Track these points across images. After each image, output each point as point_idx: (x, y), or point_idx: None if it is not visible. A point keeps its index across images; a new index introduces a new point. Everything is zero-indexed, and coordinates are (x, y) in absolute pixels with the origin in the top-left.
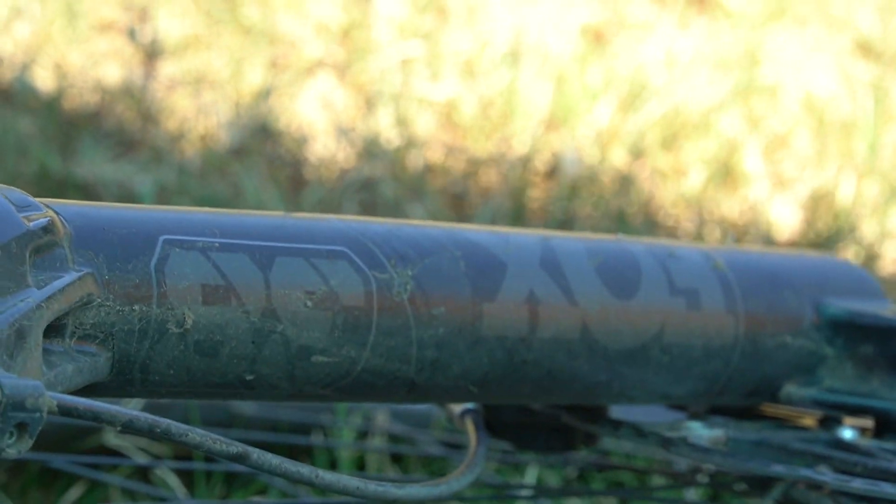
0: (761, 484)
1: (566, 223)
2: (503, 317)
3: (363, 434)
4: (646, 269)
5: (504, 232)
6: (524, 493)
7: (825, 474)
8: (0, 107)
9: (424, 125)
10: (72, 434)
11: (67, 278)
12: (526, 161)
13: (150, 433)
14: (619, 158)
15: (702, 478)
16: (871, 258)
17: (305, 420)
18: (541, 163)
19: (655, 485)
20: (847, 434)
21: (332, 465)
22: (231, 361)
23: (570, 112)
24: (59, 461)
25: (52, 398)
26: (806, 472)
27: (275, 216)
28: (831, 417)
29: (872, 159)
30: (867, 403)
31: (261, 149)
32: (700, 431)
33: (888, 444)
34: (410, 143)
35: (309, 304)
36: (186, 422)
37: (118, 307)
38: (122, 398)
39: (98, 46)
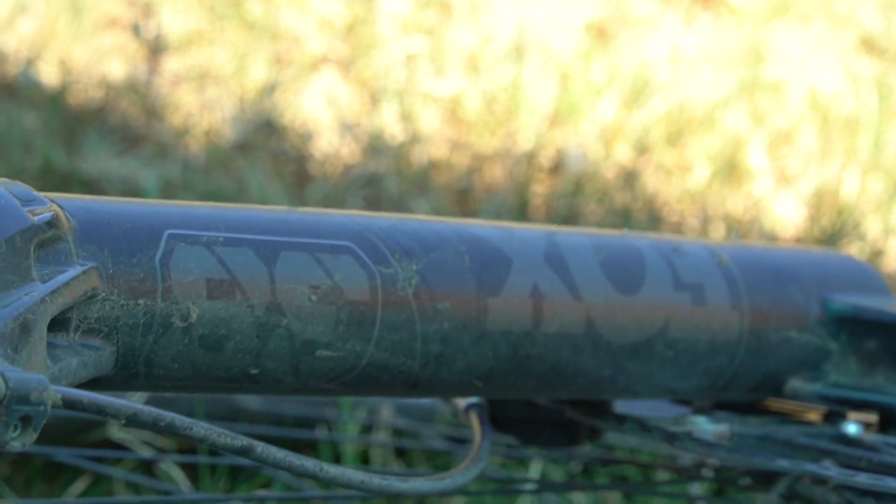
0: (766, 479)
1: (570, 219)
2: (508, 311)
3: (367, 428)
4: (650, 264)
5: (509, 227)
6: (528, 487)
7: (830, 469)
8: (5, 102)
9: (429, 121)
10: (76, 428)
11: (72, 272)
12: (530, 157)
13: (154, 427)
14: (623, 154)
15: (706, 472)
16: (875, 254)
17: (310, 414)
18: (545, 159)
19: (660, 479)
20: (851, 429)
21: (337, 460)
22: (236, 355)
23: (574, 108)
24: (63, 454)
25: (57, 392)
26: (810, 467)
27: (279, 211)
28: (836, 412)
29: (876, 155)
30: (871, 398)
31: (265, 144)
32: (705, 426)
33: (892, 439)
34: (415, 138)
35: (313, 298)
36: (191, 416)
37: (122, 301)
38: (127, 392)
39: (102, 42)
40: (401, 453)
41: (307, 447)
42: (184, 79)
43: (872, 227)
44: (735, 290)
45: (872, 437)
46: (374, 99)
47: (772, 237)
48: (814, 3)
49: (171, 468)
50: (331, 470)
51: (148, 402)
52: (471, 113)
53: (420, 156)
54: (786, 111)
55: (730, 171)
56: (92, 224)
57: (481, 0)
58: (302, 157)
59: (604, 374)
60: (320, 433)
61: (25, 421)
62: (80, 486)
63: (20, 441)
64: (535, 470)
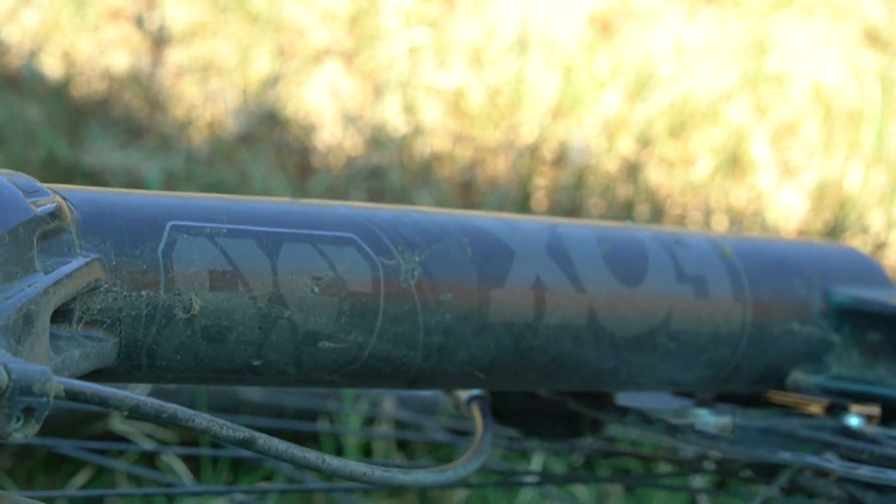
0: (768, 471)
1: (573, 211)
2: (510, 303)
3: (369, 420)
4: (653, 256)
5: (511, 219)
6: (530, 479)
7: (832, 461)
8: (8, 94)
9: (432, 113)
10: (78, 419)
11: (75, 263)
12: (533, 149)
13: (156, 418)
14: (626, 147)
15: (708, 465)
16: (878, 247)
17: (312, 406)
18: (548, 151)
19: (662, 472)
20: (853, 421)
21: (339, 452)
22: (238, 347)
23: (577, 101)
24: (65, 446)
25: (59, 383)
26: (812, 460)
27: (282, 202)
28: (838, 405)
29: (880, 148)
30: (874, 391)
31: (268, 136)
32: (707, 418)
33: (894, 432)
34: (418, 130)
35: (316, 289)
36: (193, 408)
37: (125, 292)
38: (129, 384)
39: (106, 34)
40: (403, 446)
41: (309, 439)
42: (187, 71)
43: (875, 220)
44: (738, 281)
45: (874, 430)
46: (378, 91)
47: (775, 230)
48: None
49: (173, 460)
50: (333, 462)
51: (150, 395)
52: (474, 105)
53: (423, 148)
54: (789, 104)
55: (733, 163)
56: (95, 215)
57: None
58: (305, 149)
59: (606, 365)
60: (322, 426)
61: (28, 412)
62: (82, 478)
63: (22, 432)
64: (536, 462)
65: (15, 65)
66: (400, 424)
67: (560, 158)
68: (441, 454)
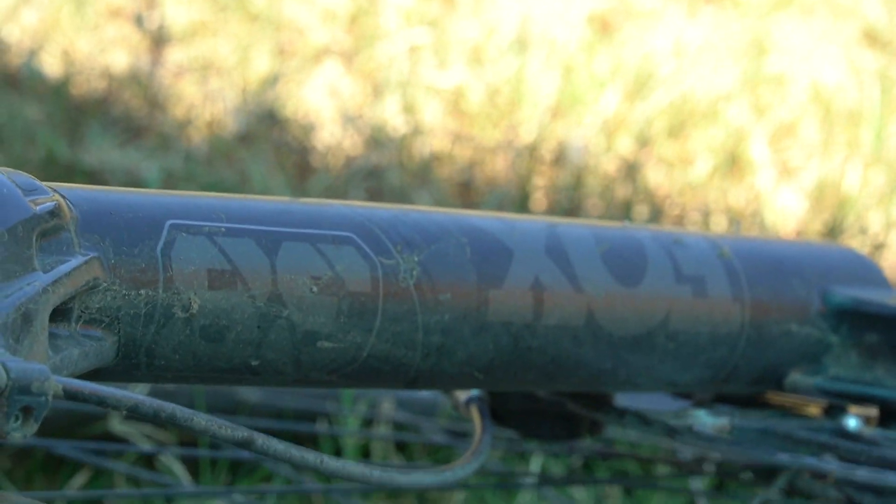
0: (766, 473)
1: (572, 211)
2: (509, 303)
3: (368, 422)
4: (652, 256)
5: (510, 218)
6: (529, 481)
7: (830, 463)
8: (7, 93)
9: (431, 113)
10: (77, 420)
11: (74, 262)
12: (532, 149)
13: (155, 418)
14: (625, 147)
15: (707, 467)
16: (876, 248)
17: (310, 407)
18: (547, 151)
19: (660, 474)
20: (852, 423)
21: (337, 453)
22: (237, 346)
23: (576, 100)
24: (63, 447)
25: (58, 382)
26: (811, 461)
27: (281, 201)
28: (836, 406)
29: (879, 149)
30: (872, 392)
31: (268, 136)
32: (705, 420)
33: (893, 433)
34: (417, 130)
35: (315, 289)
36: (192, 408)
37: (124, 291)
38: (128, 383)
39: (106, 33)
40: (401, 447)
41: (308, 440)
42: (186, 70)
43: (874, 221)
44: (736, 282)
45: (872, 432)
46: (377, 90)
47: (773, 230)
48: None
49: (171, 462)
50: (331, 463)
51: (149, 395)
52: (473, 105)
53: (422, 148)
54: (788, 103)
55: (732, 163)
56: (94, 214)
57: None
58: (304, 148)
59: (605, 366)
60: (321, 427)
61: (26, 412)
62: (80, 479)
63: (21, 432)
64: (535, 464)
65: (14, 63)
66: (398, 426)
67: (559, 158)
68: (440, 456)
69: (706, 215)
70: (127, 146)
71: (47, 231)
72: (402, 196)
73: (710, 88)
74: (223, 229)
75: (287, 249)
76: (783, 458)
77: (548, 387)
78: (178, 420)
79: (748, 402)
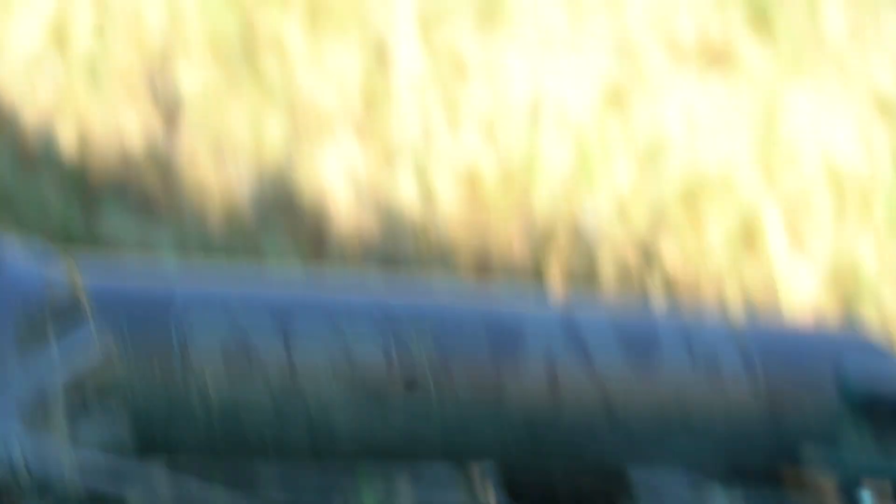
0: None
1: (587, 289)
2: (524, 387)
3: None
4: (666, 338)
5: (525, 303)
6: None
7: None
8: (22, 169)
9: (444, 188)
10: None
11: (89, 340)
12: (547, 227)
13: None
14: (639, 220)
15: None
16: (892, 323)
17: (326, 482)
18: (562, 229)
19: None
20: (866, 499)
21: None
22: (251, 423)
23: (589, 174)
24: None
25: (78, 482)
26: None
27: (300, 279)
28: (850, 481)
29: (893, 221)
30: (886, 468)
31: (282, 215)
32: (720, 501)
33: None
34: (431, 211)
35: (331, 372)
36: (207, 480)
37: (139, 368)
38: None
39: (120, 107)
40: None
41: None
42: (200, 144)
43: (890, 295)
44: (751, 362)
45: None
46: (390, 162)
47: (788, 305)
48: (828, 64)
49: None
50: None
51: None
52: (487, 179)
53: (437, 224)
54: (801, 175)
55: (745, 236)
56: (109, 289)
57: (497, 64)
58: (319, 229)
59: (620, 446)
60: (336, 501)
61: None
62: None
63: None
64: None
65: (30, 139)
66: (415, 501)
67: (573, 235)
68: None
69: (720, 290)
70: (143, 224)
71: (62, 310)
72: (417, 275)
73: (721, 158)
74: (240, 306)
75: (304, 333)
76: None
77: (564, 466)
78: None
79: (763, 475)
